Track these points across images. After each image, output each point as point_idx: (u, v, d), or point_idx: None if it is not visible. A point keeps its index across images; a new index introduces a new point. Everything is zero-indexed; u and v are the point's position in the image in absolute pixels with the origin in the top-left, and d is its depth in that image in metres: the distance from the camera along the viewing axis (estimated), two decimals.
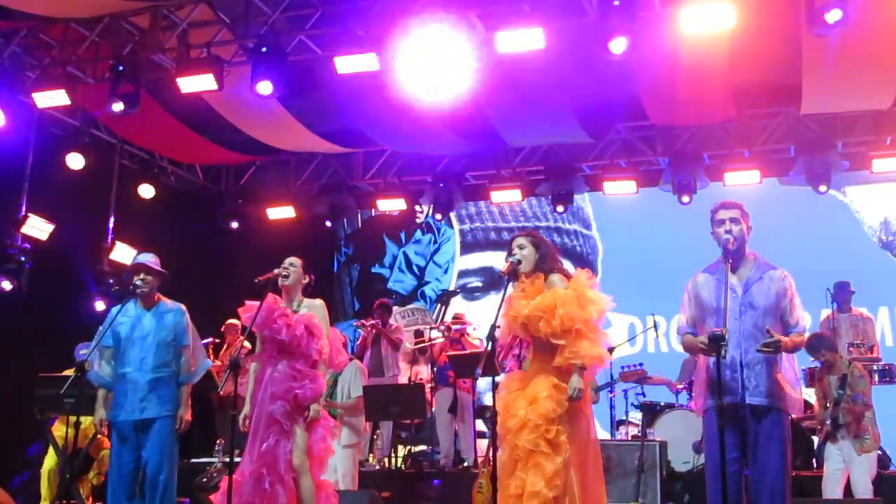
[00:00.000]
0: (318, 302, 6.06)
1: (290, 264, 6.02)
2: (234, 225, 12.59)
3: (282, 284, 5.94)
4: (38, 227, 10.09)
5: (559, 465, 4.73)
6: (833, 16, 7.32)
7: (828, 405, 7.63)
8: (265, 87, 8.55)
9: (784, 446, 4.76)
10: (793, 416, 4.92)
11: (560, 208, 11.88)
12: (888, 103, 9.81)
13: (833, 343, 7.83)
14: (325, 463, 6.00)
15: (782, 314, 4.88)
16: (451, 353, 9.95)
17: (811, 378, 8.51)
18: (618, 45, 7.64)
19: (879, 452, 8.04)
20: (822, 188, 10.73)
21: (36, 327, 9.64)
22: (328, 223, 12.71)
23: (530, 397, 4.88)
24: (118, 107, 8.82)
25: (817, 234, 11.89)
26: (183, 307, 6.27)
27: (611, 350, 9.74)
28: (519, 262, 5.10)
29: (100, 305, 10.30)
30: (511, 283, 5.08)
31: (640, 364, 9.94)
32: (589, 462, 4.96)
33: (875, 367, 9.01)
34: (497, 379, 5.15)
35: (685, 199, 11.13)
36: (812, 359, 8.06)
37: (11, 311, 9.68)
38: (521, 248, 5.16)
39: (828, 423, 7.56)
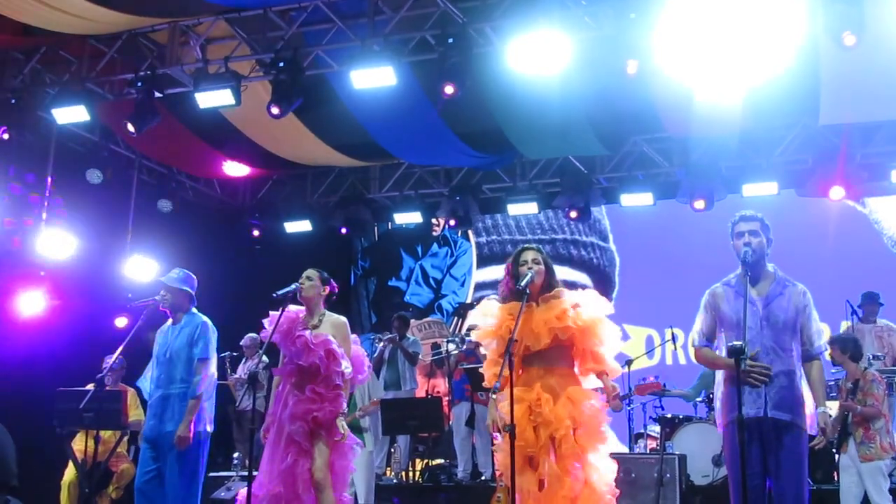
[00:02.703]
0: (342, 320, 6.06)
1: (307, 277, 6.05)
2: (254, 235, 12.65)
3: (300, 297, 5.96)
4: (57, 242, 10.14)
5: (615, 470, 4.98)
6: (849, 40, 7.32)
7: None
8: (275, 110, 8.65)
9: (804, 461, 4.75)
10: (810, 432, 4.88)
11: (573, 214, 11.81)
12: None
13: (846, 346, 7.64)
14: (346, 481, 6.01)
15: (802, 331, 4.87)
16: (467, 366, 9.94)
17: (830, 391, 8.44)
18: (632, 67, 7.71)
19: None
20: (836, 195, 10.64)
21: (56, 341, 9.68)
22: (343, 230, 12.69)
23: (578, 405, 4.97)
24: (132, 128, 9.00)
25: (836, 246, 11.81)
26: (205, 320, 6.28)
27: (629, 363, 9.88)
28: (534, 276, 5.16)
29: (121, 322, 10.34)
30: (524, 297, 5.07)
31: (657, 377, 9.91)
32: None
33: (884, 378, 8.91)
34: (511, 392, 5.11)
35: (698, 204, 11.04)
36: (833, 370, 7.99)
37: (32, 325, 9.73)
38: (535, 262, 5.22)
39: (833, 424, 7.46)
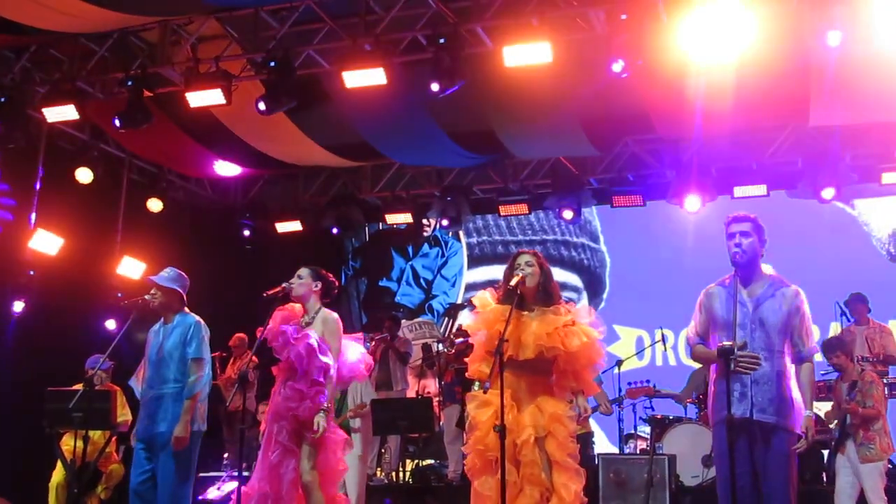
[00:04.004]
0: (332, 316, 5.99)
1: (298, 275, 6.01)
2: (245, 235, 12.64)
3: (292, 297, 5.94)
4: (46, 242, 10.11)
5: (584, 482, 4.96)
6: (833, 38, 7.35)
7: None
8: (262, 105, 8.66)
9: (789, 463, 4.76)
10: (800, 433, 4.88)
11: (569, 214, 11.79)
12: None
13: (849, 349, 7.73)
14: (337, 478, 5.97)
15: (792, 333, 4.86)
16: (458, 367, 9.94)
17: (818, 391, 8.48)
18: (618, 66, 7.74)
19: (891, 465, 7.97)
20: (827, 194, 10.65)
21: (45, 340, 9.65)
22: (335, 230, 12.67)
23: (549, 415, 4.99)
24: (117, 122, 9.03)
25: (825, 248, 11.86)
26: (197, 319, 6.25)
27: (619, 363, 9.90)
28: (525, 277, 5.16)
29: (110, 324, 10.32)
30: (514, 299, 5.07)
31: (648, 381, 9.93)
32: None
33: (885, 381, 8.94)
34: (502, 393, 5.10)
35: (689, 206, 11.04)
36: (826, 366, 8.03)
37: (20, 324, 9.70)
38: (528, 265, 5.21)
39: (834, 427, 7.50)
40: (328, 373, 5.77)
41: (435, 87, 8.18)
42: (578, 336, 5.07)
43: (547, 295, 5.24)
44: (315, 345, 5.75)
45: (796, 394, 4.83)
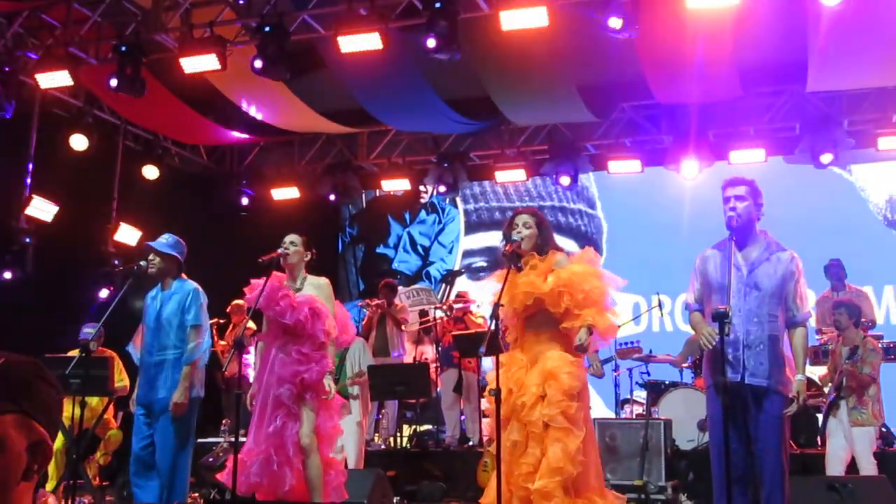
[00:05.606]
0: (323, 280, 6.03)
1: (291, 242, 6.01)
2: (241, 202, 12.62)
3: (284, 263, 5.94)
4: (42, 209, 10.08)
5: (581, 440, 4.75)
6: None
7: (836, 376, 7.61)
8: (258, 63, 8.56)
9: (782, 426, 4.78)
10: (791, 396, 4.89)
11: (566, 180, 11.74)
12: (895, 81, 9.75)
13: (855, 311, 7.71)
14: (333, 441, 6.01)
15: (786, 298, 4.87)
16: (456, 332, 9.97)
17: (815, 356, 8.51)
18: (615, 22, 7.65)
19: (885, 430, 8.02)
20: (824, 160, 10.59)
21: (40, 308, 9.65)
22: (332, 197, 12.63)
23: (546, 372, 4.86)
24: (114, 82, 8.88)
25: (822, 213, 11.85)
26: (195, 286, 6.26)
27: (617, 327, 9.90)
28: (521, 241, 5.12)
29: (103, 293, 10.31)
30: (515, 262, 5.07)
31: (638, 341, 9.95)
32: (592, 436, 5.03)
33: (880, 346, 8.97)
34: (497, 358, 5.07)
35: (686, 171, 11.00)
36: (818, 336, 8.04)
37: (16, 292, 9.69)
38: (526, 226, 5.16)
39: (830, 390, 7.54)
40: (331, 335, 5.82)
41: (431, 42, 8.07)
42: (557, 274, 4.93)
43: (542, 253, 5.16)
44: (320, 308, 5.80)
45: (789, 358, 4.85)
